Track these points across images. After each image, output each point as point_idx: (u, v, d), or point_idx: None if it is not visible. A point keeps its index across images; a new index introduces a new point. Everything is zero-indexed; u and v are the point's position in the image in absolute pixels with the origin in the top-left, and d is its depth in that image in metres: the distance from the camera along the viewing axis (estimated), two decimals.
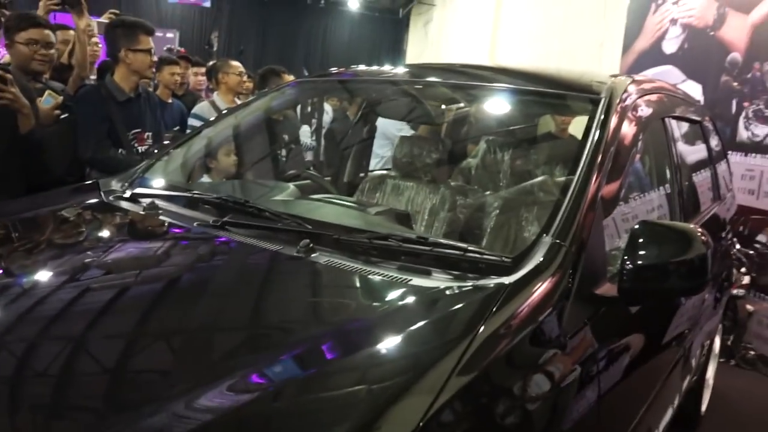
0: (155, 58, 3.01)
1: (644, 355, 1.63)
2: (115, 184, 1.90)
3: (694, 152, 2.78)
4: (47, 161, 2.82)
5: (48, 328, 1.13)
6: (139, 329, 1.15)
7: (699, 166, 2.77)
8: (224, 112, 2.96)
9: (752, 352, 3.69)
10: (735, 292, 3.74)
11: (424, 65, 3.48)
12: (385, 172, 2.85)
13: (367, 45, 13.75)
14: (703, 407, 3.01)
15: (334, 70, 2.78)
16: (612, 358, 1.42)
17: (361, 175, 2.99)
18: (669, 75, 4.67)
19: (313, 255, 1.34)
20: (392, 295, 1.20)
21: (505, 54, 8.96)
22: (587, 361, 1.27)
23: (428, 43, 12.12)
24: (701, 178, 2.74)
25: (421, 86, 2.59)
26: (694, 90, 4.46)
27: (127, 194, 1.79)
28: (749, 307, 3.85)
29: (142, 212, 1.66)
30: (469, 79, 2.45)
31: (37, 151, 2.61)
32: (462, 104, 3.08)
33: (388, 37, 13.78)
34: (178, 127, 3.61)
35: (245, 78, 4.03)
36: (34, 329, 1.12)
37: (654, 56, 4.88)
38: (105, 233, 1.68)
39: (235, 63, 3.96)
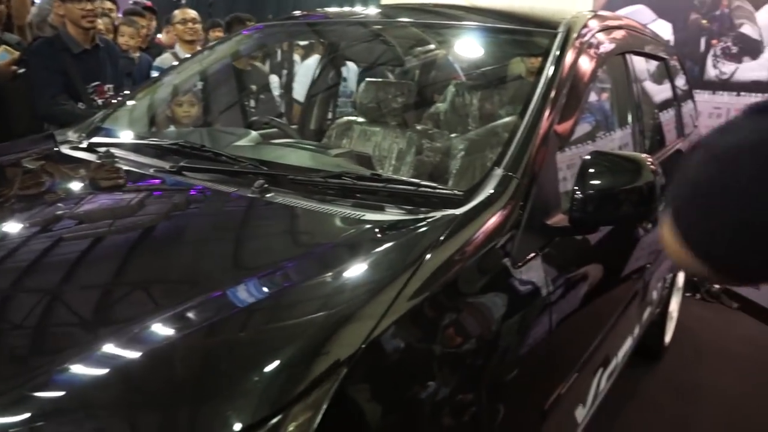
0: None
1: (600, 285, 1.68)
2: (72, 135, 1.87)
3: (659, 90, 2.79)
4: (7, 118, 2.77)
5: None
6: (94, 271, 1.16)
7: (663, 103, 2.79)
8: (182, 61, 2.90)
9: (716, 286, 3.80)
10: None
11: (396, 5, 3.43)
12: (352, 118, 2.84)
13: None
14: (667, 338, 3.12)
15: (298, 13, 2.73)
16: (565, 286, 1.47)
17: (328, 121, 2.97)
18: (640, 14, 4.64)
19: (268, 195, 1.35)
20: (343, 229, 1.22)
21: None
22: (538, 289, 1.31)
23: None
24: (665, 115, 2.77)
25: (383, 27, 2.56)
26: (664, 29, 4.45)
27: (84, 144, 1.77)
28: None
29: (97, 161, 1.65)
30: (433, 18, 2.43)
31: None
32: (430, 46, 3.05)
33: None
34: None
35: (193, 25, 3.86)
36: None
37: None
38: (59, 183, 1.67)
39: (185, 11, 3.86)
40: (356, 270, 1.06)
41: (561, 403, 1.46)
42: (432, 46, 3.03)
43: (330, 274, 1.04)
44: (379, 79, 3.03)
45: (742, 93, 3.86)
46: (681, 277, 3.19)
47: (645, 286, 2.21)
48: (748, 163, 0.62)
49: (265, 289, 1.03)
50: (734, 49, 3.94)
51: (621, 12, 4.85)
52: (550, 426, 1.38)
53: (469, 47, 2.52)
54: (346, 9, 2.80)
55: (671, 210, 0.68)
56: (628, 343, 2.13)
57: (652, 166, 1.36)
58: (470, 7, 2.82)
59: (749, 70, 3.83)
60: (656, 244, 2.28)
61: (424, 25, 2.42)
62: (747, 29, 3.86)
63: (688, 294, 3.74)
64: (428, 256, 1.07)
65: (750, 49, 3.85)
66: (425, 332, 1.01)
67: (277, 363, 0.87)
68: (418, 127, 2.60)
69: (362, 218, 1.23)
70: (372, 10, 2.73)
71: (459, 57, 2.88)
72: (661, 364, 3.04)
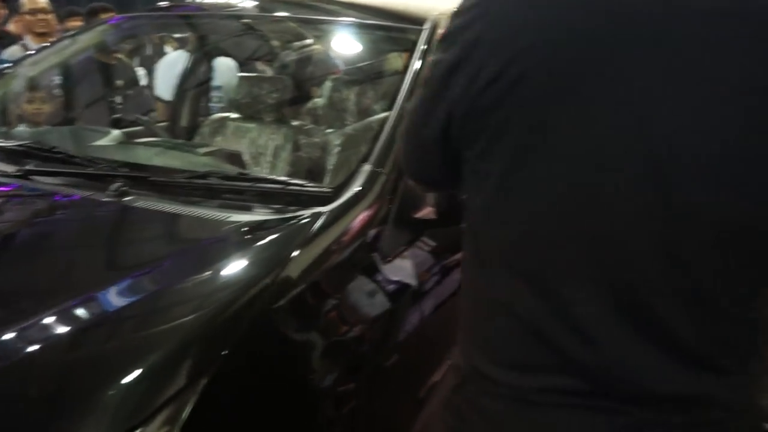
0: None
1: None
2: None
3: None
4: None
5: None
6: None
7: None
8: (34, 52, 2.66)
9: None
10: None
11: None
12: (225, 114, 2.75)
13: None
14: None
15: (164, 3, 2.59)
16: (437, 277, 1.51)
17: (201, 118, 2.86)
18: None
19: (126, 199, 1.27)
20: (206, 232, 1.18)
21: None
22: (408, 281, 1.33)
23: None
24: None
25: (258, 20, 2.50)
26: None
27: None
28: None
29: None
30: (309, 13, 2.41)
31: None
32: (306, 41, 3.03)
33: None
34: None
35: (44, 16, 3.55)
36: None
37: None
38: None
39: (33, 0, 3.54)
40: (219, 274, 1.03)
41: (436, 390, 1.51)
42: (309, 41, 3.00)
43: (190, 279, 1.00)
44: (253, 74, 2.97)
45: None
46: None
47: None
48: (422, 92, 0.77)
49: (118, 299, 0.97)
50: None
51: None
52: (426, 413, 1.42)
53: (343, 42, 2.52)
54: (219, 1, 2.69)
55: None
56: None
57: None
58: (346, 2, 2.83)
59: None
60: None
61: (300, 20, 2.40)
62: None
63: None
64: (295, 254, 1.06)
65: None
66: (295, 330, 1.01)
67: (136, 374, 0.83)
68: (294, 123, 2.57)
69: (228, 219, 1.19)
70: (248, 3, 2.65)
71: (335, 52, 2.88)
72: None
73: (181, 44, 4.66)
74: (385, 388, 1.24)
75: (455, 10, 0.72)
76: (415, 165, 0.86)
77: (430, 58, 1.69)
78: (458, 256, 1.65)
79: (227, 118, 2.54)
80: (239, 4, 2.54)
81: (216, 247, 1.12)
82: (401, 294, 1.30)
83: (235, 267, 1.05)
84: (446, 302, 1.53)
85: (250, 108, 2.46)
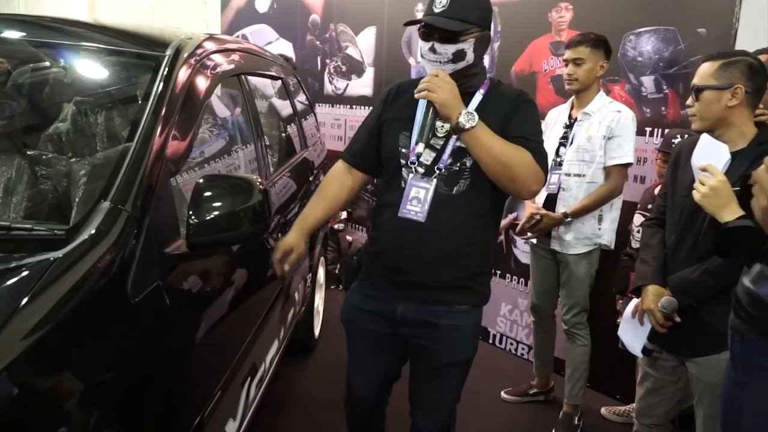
0: None
1: (235, 299, 1.73)
2: None
3: (280, 106, 3.02)
4: None
5: None
6: None
7: (285, 118, 3.02)
8: None
9: None
10: (336, 226, 4.29)
11: (4, 15, 2.96)
12: None
13: None
14: (317, 331, 3.42)
15: None
16: (197, 308, 1.48)
17: None
18: (264, 33, 4.95)
19: None
20: None
21: (107, 6, 8.24)
22: (165, 318, 1.29)
23: None
24: (289, 129, 3.01)
25: None
26: (287, 48, 4.83)
27: None
28: (348, 237, 4.48)
29: None
30: (46, 34, 2.19)
31: None
32: (43, 63, 2.73)
33: None
34: None
35: None
36: None
37: (249, 15, 5.10)
38: None
39: None
40: None
41: (207, 422, 1.47)
42: (46, 64, 2.71)
43: None
44: None
45: (354, 106, 4.45)
46: (322, 274, 3.52)
47: (285, 290, 2.37)
48: None
49: None
50: (344, 68, 4.50)
51: (246, 30, 5.11)
52: None
53: (84, 66, 2.33)
54: None
55: None
56: (275, 347, 2.26)
57: (260, 186, 1.46)
58: (87, 23, 2.61)
59: (357, 86, 4.43)
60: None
61: (35, 43, 2.17)
62: (351, 51, 4.45)
63: (333, 286, 4.15)
64: (21, 307, 0.96)
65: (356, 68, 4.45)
66: (34, 386, 0.91)
67: None
68: (30, 153, 2.30)
69: None
70: None
71: (76, 76, 2.64)
72: (314, 356, 3.32)
73: None
74: (152, 428, 1.18)
75: None
76: None
77: (176, 83, 1.65)
78: (218, 285, 1.65)
79: None
80: None
81: None
82: (158, 332, 1.25)
83: None
84: (210, 332, 1.51)
85: None
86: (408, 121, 1.69)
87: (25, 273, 1.04)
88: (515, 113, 1.62)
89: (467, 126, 1.53)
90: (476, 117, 1.54)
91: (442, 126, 1.64)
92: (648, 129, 2.86)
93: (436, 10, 1.57)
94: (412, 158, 1.65)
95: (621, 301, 2.72)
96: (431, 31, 1.59)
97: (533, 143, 1.58)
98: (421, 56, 1.66)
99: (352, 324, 1.85)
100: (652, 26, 2.80)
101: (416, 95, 1.60)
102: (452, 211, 1.63)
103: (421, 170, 1.65)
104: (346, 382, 1.94)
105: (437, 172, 1.63)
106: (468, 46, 1.58)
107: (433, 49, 1.59)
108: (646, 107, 2.87)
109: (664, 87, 2.79)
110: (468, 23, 1.57)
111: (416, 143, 1.64)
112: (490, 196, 1.65)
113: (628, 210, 2.76)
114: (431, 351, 1.72)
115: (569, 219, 2.61)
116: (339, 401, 2.02)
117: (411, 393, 1.87)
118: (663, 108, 2.81)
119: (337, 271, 4.21)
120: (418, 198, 1.63)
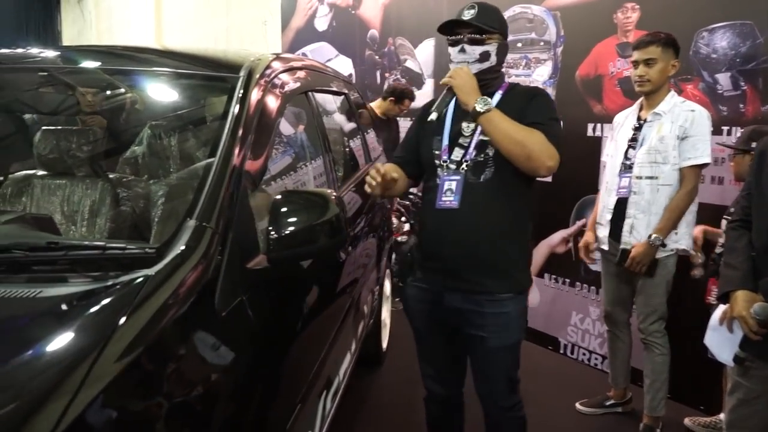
0: None
1: (312, 313, 1.77)
2: None
3: (345, 122, 3.07)
4: None
5: None
6: None
7: (349, 133, 3.06)
8: None
9: None
10: (399, 239, 4.30)
11: (79, 48, 3.14)
12: (30, 172, 2.51)
13: (11, 25, 11.79)
14: (384, 344, 3.42)
15: None
16: (277, 322, 1.51)
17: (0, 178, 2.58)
18: (324, 51, 5.05)
19: None
20: (12, 311, 1.06)
21: (171, 33, 8.61)
22: (249, 332, 1.32)
23: (85, 22, 10.97)
24: (353, 143, 3.05)
25: (62, 71, 2.33)
26: (346, 64, 4.91)
27: None
28: None
29: None
30: (118, 62, 2.31)
31: None
32: (120, 90, 2.87)
33: (35, 17, 12.03)
34: None
35: None
36: None
37: (308, 34, 5.21)
38: None
39: None
40: (37, 354, 0.94)
41: None
42: (122, 90, 2.86)
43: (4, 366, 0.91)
44: (59, 127, 2.75)
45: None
46: (387, 286, 3.53)
47: (356, 303, 2.40)
48: None
49: None
50: (403, 81, 4.53)
51: (306, 49, 5.23)
52: None
53: (158, 91, 2.44)
54: (19, 51, 2.46)
55: None
56: (347, 360, 2.28)
57: (335, 200, 1.48)
58: (158, 50, 2.74)
59: (417, 98, 4.45)
60: (358, 260, 2.49)
61: (110, 71, 2.29)
62: (410, 64, 4.47)
63: (397, 299, 4.15)
64: (122, 322, 1.00)
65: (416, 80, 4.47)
66: (135, 396, 0.95)
67: None
68: (111, 176, 2.42)
69: (38, 296, 1.09)
70: (51, 53, 2.45)
71: (150, 101, 2.76)
72: (382, 368, 3.32)
73: None
74: None
75: None
76: None
77: (250, 103, 1.71)
78: (296, 299, 1.68)
79: (33, 175, 2.33)
80: (41, 55, 2.36)
81: (28, 327, 1.02)
82: (243, 346, 1.28)
83: (54, 345, 0.96)
84: (290, 346, 1.54)
85: (58, 163, 2.27)
86: (439, 127, 1.90)
87: (123, 290, 1.09)
88: (530, 104, 1.81)
89: (482, 110, 1.72)
90: (491, 102, 1.75)
91: (468, 126, 1.85)
92: (725, 128, 2.74)
93: (465, 18, 1.81)
94: (444, 157, 1.86)
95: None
96: (461, 35, 1.83)
97: (545, 126, 1.75)
98: (450, 60, 1.88)
99: (413, 317, 2.03)
100: (727, 21, 2.69)
101: (441, 82, 1.84)
102: (481, 195, 1.80)
103: (452, 166, 1.84)
104: (420, 374, 2.09)
105: (465, 164, 1.82)
106: (492, 48, 1.84)
107: (463, 50, 1.83)
108: (722, 105, 2.75)
109: (742, 83, 2.67)
110: (493, 28, 1.82)
111: (443, 134, 1.88)
112: (514, 181, 1.80)
113: (710, 212, 2.65)
114: (480, 338, 1.86)
115: (660, 242, 2.53)
116: (409, 413, 2.03)
117: (473, 375, 1.98)
118: (741, 105, 2.69)
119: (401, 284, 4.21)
120: (451, 189, 1.83)
